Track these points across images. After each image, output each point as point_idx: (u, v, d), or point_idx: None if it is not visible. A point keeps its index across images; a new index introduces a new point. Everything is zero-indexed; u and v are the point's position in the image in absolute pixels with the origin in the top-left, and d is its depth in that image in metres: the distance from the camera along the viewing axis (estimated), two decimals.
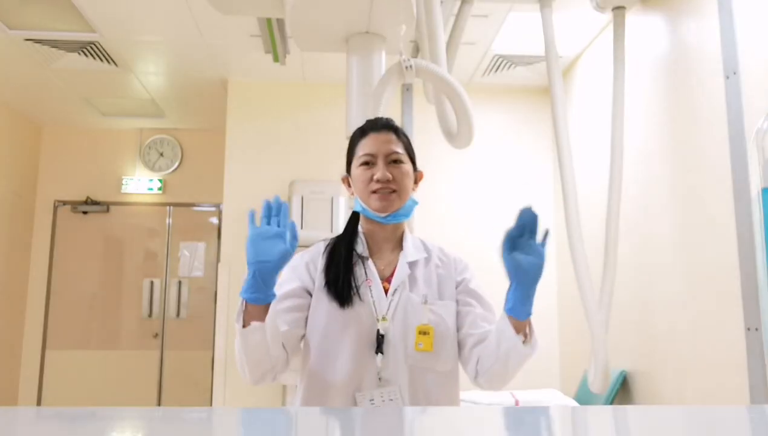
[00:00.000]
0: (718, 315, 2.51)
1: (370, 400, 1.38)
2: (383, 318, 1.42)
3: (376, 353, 1.39)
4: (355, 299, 1.43)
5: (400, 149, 1.50)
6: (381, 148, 1.49)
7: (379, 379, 1.39)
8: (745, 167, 2.23)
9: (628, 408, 1.59)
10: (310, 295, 1.48)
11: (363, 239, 1.53)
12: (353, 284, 1.44)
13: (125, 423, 0.81)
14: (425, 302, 1.45)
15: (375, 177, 1.46)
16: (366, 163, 1.49)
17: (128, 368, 5.40)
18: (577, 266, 2.87)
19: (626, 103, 3.00)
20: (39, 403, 5.31)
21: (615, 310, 2.95)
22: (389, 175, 1.46)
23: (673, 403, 2.89)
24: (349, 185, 1.56)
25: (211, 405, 4.45)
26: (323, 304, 1.45)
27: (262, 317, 1.30)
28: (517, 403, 3.18)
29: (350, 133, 2.48)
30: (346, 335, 1.41)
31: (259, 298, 1.29)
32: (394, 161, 1.49)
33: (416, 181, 1.55)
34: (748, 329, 2.21)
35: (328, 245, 1.54)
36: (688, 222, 2.77)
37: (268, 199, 1.34)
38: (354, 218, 1.56)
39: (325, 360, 1.42)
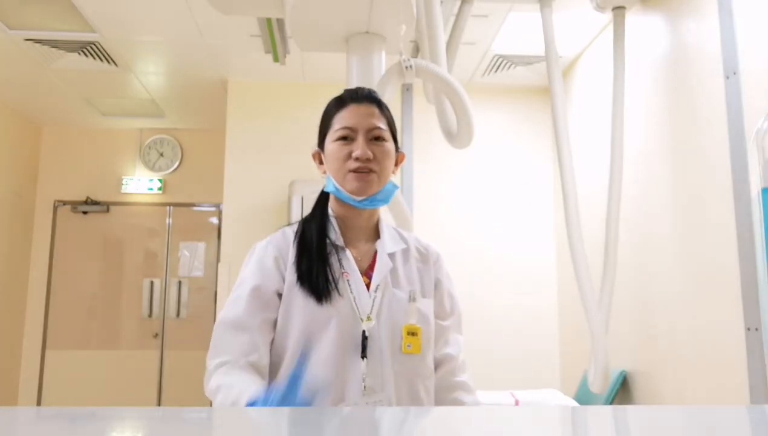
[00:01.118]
0: (718, 315, 2.51)
1: None
2: (368, 318, 1.27)
3: (362, 357, 1.24)
4: (334, 293, 1.26)
5: (383, 125, 1.33)
6: (362, 123, 1.31)
7: (364, 387, 1.23)
8: (745, 167, 2.23)
9: (628, 408, 1.59)
10: (280, 296, 1.30)
11: (335, 224, 1.35)
12: (330, 277, 1.27)
13: (125, 423, 0.81)
14: (413, 300, 1.31)
15: (354, 154, 1.29)
16: (344, 138, 1.31)
17: (128, 368, 5.40)
18: (577, 266, 2.87)
19: (626, 103, 3.00)
20: (39, 403, 5.31)
21: (615, 310, 2.95)
22: (370, 154, 1.29)
23: (673, 403, 2.89)
24: (321, 162, 1.38)
25: (211, 405, 4.44)
26: (298, 300, 1.28)
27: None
28: (517, 403, 3.18)
29: None
30: (326, 337, 1.25)
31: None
32: (375, 138, 1.32)
33: (397, 163, 1.39)
34: (748, 329, 2.21)
35: (297, 233, 1.36)
36: (688, 222, 2.77)
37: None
38: (322, 199, 1.39)
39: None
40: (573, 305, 3.74)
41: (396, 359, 1.28)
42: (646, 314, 3.14)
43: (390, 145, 1.35)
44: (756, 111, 2.23)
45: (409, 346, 1.28)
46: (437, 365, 1.39)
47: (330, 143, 1.34)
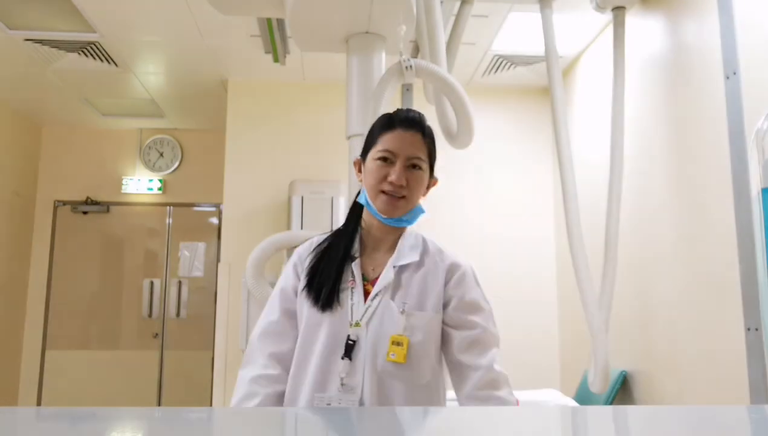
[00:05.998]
0: (718, 315, 2.51)
1: (327, 404, 1.34)
2: (356, 324, 1.37)
3: (342, 358, 1.35)
4: (334, 302, 1.39)
5: (422, 154, 1.42)
6: (404, 150, 1.40)
7: (342, 385, 1.34)
8: (745, 167, 2.23)
9: (628, 408, 1.59)
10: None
11: (359, 234, 1.48)
12: (335, 287, 1.40)
13: (125, 423, 0.81)
14: (402, 312, 1.37)
15: (390, 179, 1.38)
16: (384, 159, 1.40)
17: (128, 368, 5.40)
18: (577, 266, 2.87)
19: (626, 103, 3.00)
20: (39, 403, 5.31)
21: (615, 310, 2.94)
22: (404, 181, 1.39)
23: (673, 403, 2.89)
24: (360, 170, 1.48)
25: (211, 405, 4.45)
26: (306, 302, 1.42)
27: None
28: (517, 403, 3.18)
29: (350, 133, 2.49)
30: (318, 338, 1.38)
31: None
32: (412, 166, 1.41)
33: (428, 187, 1.49)
34: (748, 329, 2.20)
35: (321, 243, 1.49)
36: (688, 222, 2.77)
37: None
38: (356, 211, 1.50)
39: (299, 360, 1.40)
40: (573, 305, 3.74)
41: (379, 364, 1.35)
42: (646, 314, 3.14)
43: (424, 173, 1.44)
44: (756, 111, 2.22)
45: (393, 354, 1.35)
46: (466, 372, 1.39)
47: (371, 160, 1.43)
